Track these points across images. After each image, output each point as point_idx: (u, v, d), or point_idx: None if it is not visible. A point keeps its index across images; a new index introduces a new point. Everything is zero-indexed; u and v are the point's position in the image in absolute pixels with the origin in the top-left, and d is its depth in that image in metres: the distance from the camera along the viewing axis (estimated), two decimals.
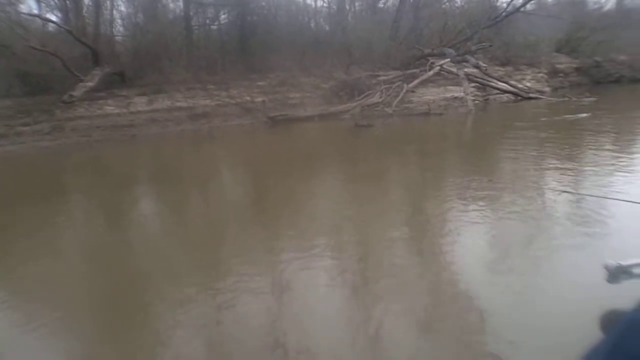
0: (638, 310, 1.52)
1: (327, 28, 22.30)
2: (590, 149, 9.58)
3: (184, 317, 3.62)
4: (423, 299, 3.79)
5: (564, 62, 24.14)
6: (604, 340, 1.58)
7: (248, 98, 16.60)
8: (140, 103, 15.47)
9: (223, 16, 20.46)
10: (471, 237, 4.93)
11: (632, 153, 9.04)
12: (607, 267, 1.83)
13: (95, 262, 4.85)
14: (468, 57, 19.20)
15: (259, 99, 16.61)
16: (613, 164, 7.74)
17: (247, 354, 3.17)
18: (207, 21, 20.23)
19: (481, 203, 6.01)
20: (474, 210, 5.72)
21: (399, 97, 16.73)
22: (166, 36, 18.00)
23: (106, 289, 4.15)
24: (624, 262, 1.82)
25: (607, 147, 9.82)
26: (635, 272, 1.82)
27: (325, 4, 23.30)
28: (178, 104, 15.80)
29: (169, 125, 15.11)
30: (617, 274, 1.82)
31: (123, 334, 3.47)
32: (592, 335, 1.65)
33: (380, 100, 16.75)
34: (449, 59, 18.78)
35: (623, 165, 7.68)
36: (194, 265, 4.62)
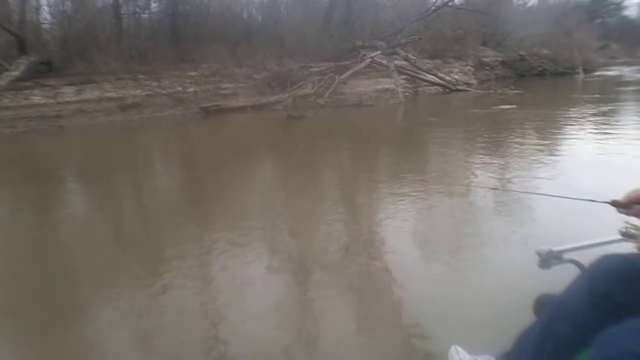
0: (565, 294, 1.72)
1: (260, 19, 22.29)
2: (516, 142, 10.03)
3: (114, 313, 3.60)
4: (357, 290, 3.87)
5: (490, 56, 25.14)
6: (536, 323, 1.76)
7: (180, 88, 16.46)
8: (68, 93, 15.04)
9: (154, 5, 20.14)
10: (402, 232, 5.03)
11: (555, 145, 9.55)
12: (538, 253, 1.93)
13: (18, 262, 4.69)
14: (398, 49, 19.70)
15: (191, 90, 16.49)
16: (536, 158, 8.09)
17: (176, 345, 3.16)
18: (138, 9, 19.82)
19: (411, 198, 6.14)
20: (404, 204, 5.84)
21: (331, 89, 16.98)
22: (95, 25, 17.56)
23: (30, 290, 4.01)
24: (555, 248, 1.93)
25: (532, 140, 10.36)
26: (565, 257, 1.92)
27: None
28: (107, 94, 15.46)
29: (98, 116, 14.80)
30: (548, 259, 1.92)
31: (50, 334, 3.37)
32: (527, 318, 1.85)
33: (313, 91, 16.97)
34: (379, 51, 19.19)
35: (546, 159, 8.07)
36: (124, 261, 4.58)
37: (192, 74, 17.18)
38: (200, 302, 3.70)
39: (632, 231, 1.70)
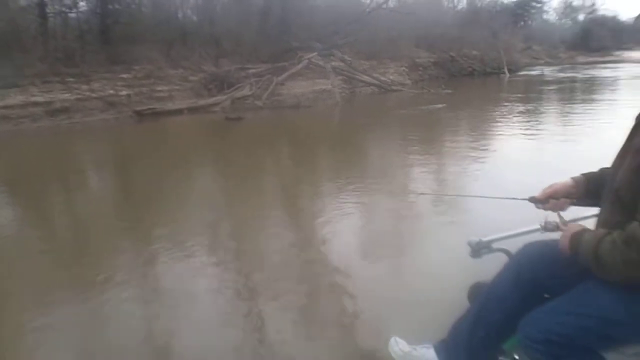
0: (495, 281, 1.84)
1: (195, 19, 21.85)
2: (448, 140, 10.55)
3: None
4: (301, 288, 3.93)
5: (423, 57, 25.79)
6: (469, 310, 1.88)
7: (112, 91, 15.83)
8: None
9: (82, 3, 19.27)
10: (343, 233, 5.12)
11: (484, 144, 9.90)
12: (469, 244, 2.01)
13: None
14: (334, 50, 19.87)
15: (124, 93, 15.91)
16: (467, 157, 8.41)
17: (112, 352, 3.12)
18: (64, 8, 18.93)
19: (351, 200, 6.25)
20: (345, 208, 5.92)
21: (269, 90, 16.93)
22: (17, 24, 16.63)
23: None
24: (484, 238, 2.01)
25: (462, 138, 10.75)
26: (494, 246, 2.01)
27: None
28: (33, 98, 14.63)
29: (23, 122, 13.97)
30: (479, 249, 2.00)
31: None
32: (461, 305, 1.95)
33: (251, 93, 16.84)
34: (316, 53, 19.28)
35: (476, 158, 8.38)
36: (59, 275, 4.40)
37: (125, 76, 16.59)
38: (144, 310, 3.66)
39: (549, 225, 1.82)
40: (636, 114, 1.68)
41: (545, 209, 1.93)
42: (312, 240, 5.08)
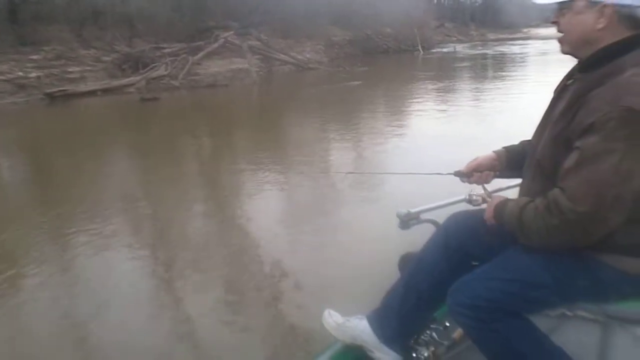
0: (424, 250, 1.89)
1: None
2: (366, 118, 10.93)
3: None
4: (226, 268, 4.04)
5: (339, 35, 26.31)
6: (400, 280, 1.92)
7: (20, 73, 15.36)
8: None
9: None
10: (267, 214, 5.24)
11: (403, 122, 10.48)
12: (398, 215, 2.07)
13: None
14: (251, 29, 20.04)
15: (34, 74, 15.48)
16: (388, 135, 8.79)
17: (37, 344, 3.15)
18: None
19: (274, 182, 6.39)
20: (267, 190, 6.06)
21: (185, 70, 16.93)
22: None
23: None
24: (413, 210, 2.07)
25: (381, 117, 11.23)
26: (422, 217, 2.08)
27: None
28: None
29: None
30: (407, 220, 2.06)
31: None
32: (392, 276, 1.99)
33: (166, 73, 16.78)
34: (232, 32, 19.41)
35: (397, 135, 8.80)
36: None
37: (34, 57, 16.12)
38: (64, 306, 3.63)
39: (474, 197, 1.85)
40: (555, 87, 1.72)
41: (470, 182, 1.94)
42: (235, 219, 5.17)
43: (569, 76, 1.64)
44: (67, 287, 3.92)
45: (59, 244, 4.70)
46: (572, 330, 1.78)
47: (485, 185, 1.92)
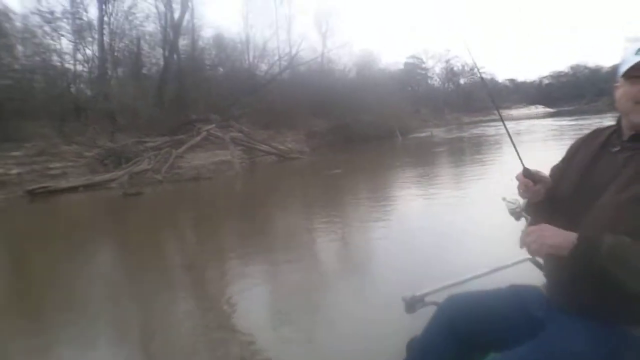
0: (428, 337, 1.84)
1: (89, 93, 21.70)
2: (351, 204, 11.06)
3: None
4: None
5: (320, 125, 26.89)
6: (407, 356, 1.88)
7: (1, 170, 15.28)
8: None
9: None
10: (251, 312, 5.13)
11: (384, 206, 10.53)
12: (404, 299, 2.04)
13: None
14: (232, 122, 20.39)
15: (14, 171, 15.37)
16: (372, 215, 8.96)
17: None
18: None
19: (263, 274, 6.39)
20: (258, 289, 5.92)
21: (168, 163, 16.99)
22: None
23: None
24: (417, 293, 2.04)
25: (363, 198, 11.38)
26: (427, 300, 2.04)
27: (85, 69, 22.67)
28: None
29: None
30: (413, 303, 2.02)
31: None
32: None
33: (149, 167, 16.79)
34: (214, 124, 19.70)
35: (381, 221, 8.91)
36: None
37: (15, 153, 16.05)
38: None
39: (514, 205, 1.74)
40: (572, 153, 1.85)
41: (528, 189, 1.77)
42: (222, 320, 5.07)
43: (610, 145, 1.72)
44: None
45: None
46: None
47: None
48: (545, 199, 1.81)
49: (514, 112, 55.08)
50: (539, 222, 1.69)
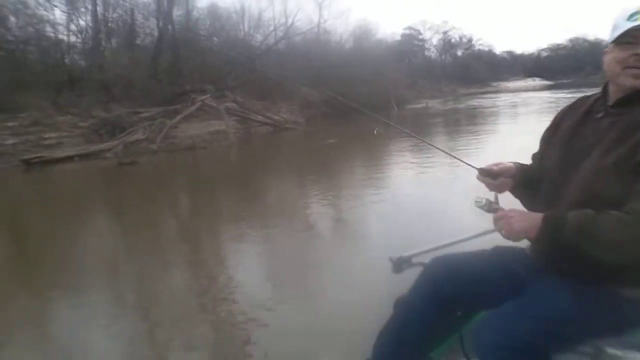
0: (413, 297, 1.87)
1: (83, 64, 21.61)
2: (345, 171, 11.18)
3: None
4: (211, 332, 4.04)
5: (314, 95, 26.73)
6: (390, 328, 1.91)
7: None
8: None
9: None
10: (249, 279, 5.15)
11: (378, 172, 10.74)
12: (390, 260, 2.06)
13: None
14: (227, 92, 20.36)
15: (9, 142, 15.41)
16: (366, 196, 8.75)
17: None
18: None
19: (259, 238, 6.45)
20: (252, 255, 5.98)
21: (163, 133, 17.03)
22: None
23: None
24: (405, 254, 2.05)
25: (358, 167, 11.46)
26: (414, 260, 2.06)
27: (79, 40, 22.55)
28: None
29: None
30: (400, 264, 2.04)
31: None
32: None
33: (144, 137, 16.84)
34: (209, 95, 19.68)
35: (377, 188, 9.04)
36: None
37: (10, 124, 16.08)
38: None
39: (484, 202, 1.72)
40: (555, 122, 1.88)
41: (490, 185, 1.84)
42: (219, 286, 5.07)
43: (594, 111, 1.74)
44: None
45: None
46: None
47: (498, 195, 1.80)
48: (520, 181, 1.87)
49: (511, 84, 54.98)
50: (524, 204, 1.86)
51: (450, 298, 1.80)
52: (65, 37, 22.02)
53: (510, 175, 1.86)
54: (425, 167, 10.54)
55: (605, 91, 1.73)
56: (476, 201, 1.73)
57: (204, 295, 4.73)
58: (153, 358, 3.81)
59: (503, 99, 33.73)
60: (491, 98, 35.91)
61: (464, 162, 1.96)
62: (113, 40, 23.47)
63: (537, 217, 1.56)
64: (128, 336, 4.02)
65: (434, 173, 9.91)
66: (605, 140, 1.60)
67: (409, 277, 2.00)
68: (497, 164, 1.87)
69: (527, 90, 46.07)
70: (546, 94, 37.07)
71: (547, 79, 58.61)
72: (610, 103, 1.68)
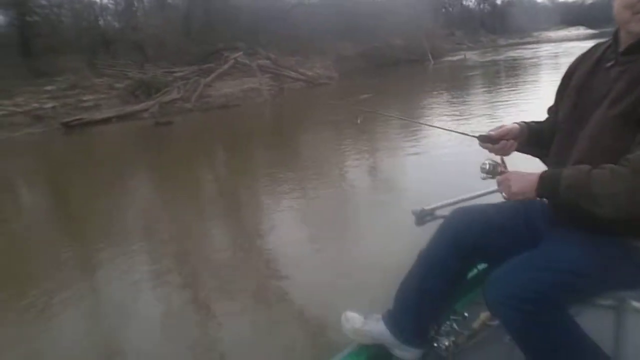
0: (434, 249, 1.87)
1: (117, 26, 21.73)
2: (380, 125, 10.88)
3: None
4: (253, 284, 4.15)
5: (348, 49, 26.34)
6: (412, 277, 1.92)
7: (36, 105, 15.62)
8: None
9: None
10: (296, 220, 5.49)
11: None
12: (413, 212, 2.11)
13: None
14: (259, 49, 20.20)
15: (49, 105, 15.73)
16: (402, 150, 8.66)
17: None
18: None
19: (294, 199, 6.45)
20: (286, 207, 6.13)
21: (197, 92, 17.09)
22: None
23: None
24: (427, 207, 2.10)
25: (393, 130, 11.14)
26: (437, 213, 2.11)
27: (111, 1, 22.65)
28: None
29: None
30: (422, 217, 2.09)
31: None
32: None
33: (179, 96, 16.94)
34: (241, 52, 19.57)
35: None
36: None
37: (49, 88, 16.41)
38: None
39: (490, 167, 1.69)
40: (570, 71, 1.82)
41: (493, 150, 1.80)
42: (264, 228, 5.34)
43: (605, 59, 1.67)
44: None
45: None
46: (601, 319, 1.71)
47: (504, 158, 1.78)
48: (526, 140, 1.85)
49: (553, 34, 52.76)
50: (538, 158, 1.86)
51: (471, 248, 1.80)
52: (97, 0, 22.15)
53: (513, 136, 1.82)
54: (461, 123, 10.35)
55: (616, 38, 1.64)
56: (481, 167, 1.70)
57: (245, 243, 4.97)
58: (198, 301, 3.97)
59: (544, 50, 32.44)
60: (532, 49, 34.55)
61: (460, 133, 1.98)
62: (145, 1, 23.46)
63: (534, 176, 1.54)
64: (170, 281, 4.27)
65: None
66: (614, 90, 1.56)
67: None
68: (496, 129, 1.84)
69: (569, 39, 44.17)
70: (590, 44, 35.22)
71: (591, 28, 56.03)
72: (620, 49, 1.60)
